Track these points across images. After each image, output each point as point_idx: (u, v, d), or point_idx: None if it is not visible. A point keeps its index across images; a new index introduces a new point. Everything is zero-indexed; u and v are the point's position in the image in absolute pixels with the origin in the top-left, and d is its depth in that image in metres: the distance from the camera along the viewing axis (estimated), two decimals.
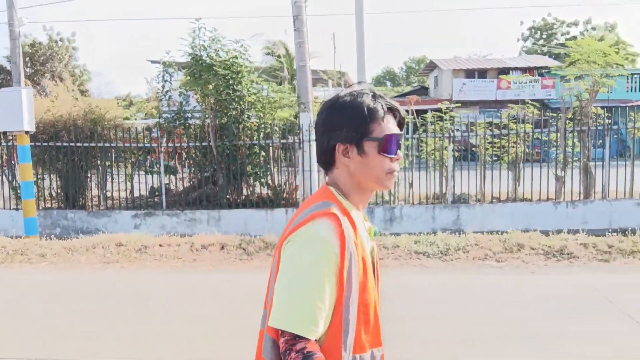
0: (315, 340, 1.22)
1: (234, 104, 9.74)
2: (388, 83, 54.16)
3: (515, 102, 23.18)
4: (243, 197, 10.33)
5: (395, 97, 31.35)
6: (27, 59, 38.72)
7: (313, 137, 10.12)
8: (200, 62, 9.43)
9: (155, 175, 10.60)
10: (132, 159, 10.74)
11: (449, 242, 6.25)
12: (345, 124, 1.32)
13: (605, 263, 5.58)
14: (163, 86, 10.52)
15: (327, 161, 1.38)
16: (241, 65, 9.76)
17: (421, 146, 10.35)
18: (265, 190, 10.28)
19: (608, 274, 5.30)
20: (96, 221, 10.36)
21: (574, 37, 38.83)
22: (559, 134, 9.69)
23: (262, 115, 10.19)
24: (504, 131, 9.88)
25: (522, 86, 21.81)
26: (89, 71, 45.60)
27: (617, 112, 10.72)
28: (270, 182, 10.23)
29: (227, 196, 10.15)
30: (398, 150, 1.36)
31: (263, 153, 10.14)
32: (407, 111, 12.61)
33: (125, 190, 10.64)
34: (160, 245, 6.44)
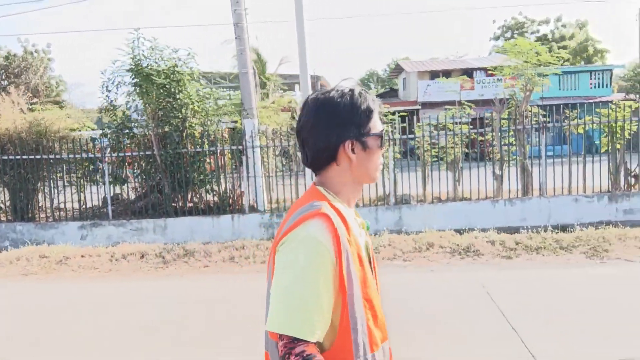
0: (315, 342, 1.21)
1: (175, 112, 9.79)
2: (372, 85, 54.51)
3: (479, 102, 23.52)
4: (190, 204, 10.37)
5: (503, 99, 31.54)
6: (2, 71, 38.46)
7: (257, 143, 10.25)
8: (139, 72, 9.48)
9: (109, 185, 10.64)
10: (80, 170, 10.74)
11: None
12: (355, 120, 1.34)
13: (507, 260, 5.71)
14: (107, 96, 10.53)
15: (325, 160, 1.37)
16: (181, 74, 9.82)
17: None
18: (212, 197, 10.34)
19: (505, 270, 5.44)
20: (44, 233, 10.34)
21: (544, 35, 39.41)
22: (493, 134, 9.87)
23: (207, 122, 10.25)
24: (442, 132, 10.04)
25: (485, 86, 22.08)
26: (65, 82, 45.34)
27: (583, 109, 10.91)
28: (216, 189, 10.30)
29: (174, 204, 10.20)
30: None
31: (209, 160, 10.21)
32: None
33: (78, 201, 10.64)
34: (82, 256, 6.48)
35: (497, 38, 40.66)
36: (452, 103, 23.33)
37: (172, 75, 9.68)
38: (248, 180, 10.08)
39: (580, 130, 9.97)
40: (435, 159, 10.30)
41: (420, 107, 22.86)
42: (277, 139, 10.52)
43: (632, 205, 9.46)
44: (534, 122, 9.76)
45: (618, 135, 9.54)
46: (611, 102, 23.94)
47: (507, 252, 5.89)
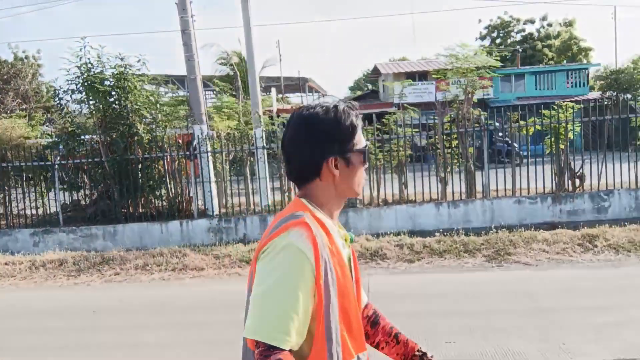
0: (290, 350, 1.22)
1: (121, 119, 9.86)
2: (370, 85, 54.59)
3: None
4: (141, 211, 10.43)
5: (440, 101, 31.61)
6: None
7: (209, 148, 10.32)
8: (84, 81, 9.55)
9: (67, 192, 10.73)
10: (35, 178, 10.81)
11: None
12: (338, 137, 1.35)
13: (409, 263, 5.78)
14: (59, 104, 10.61)
15: (309, 175, 1.38)
16: (128, 80, 9.88)
17: None
18: (160, 203, 10.41)
19: (398, 275, 5.50)
20: None
21: (530, 34, 39.46)
22: (436, 137, 9.92)
23: (154, 128, 10.31)
24: (386, 136, 10.09)
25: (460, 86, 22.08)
26: (55, 87, 45.38)
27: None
28: (166, 194, 10.36)
29: (124, 210, 10.26)
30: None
31: (158, 166, 10.28)
32: None
33: (30, 208, 10.71)
34: (6, 264, 6.55)
35: (483, 38, 40.73)
36: (428, 104, 23.52)
37: (117, 83, 9.75)
38: (196, 185, 10.14)
39: (526, 132, 10.03)
40: (382, 163, 10.34)
41: (396, 109, 22.92)
42: (231, 144, 10.60)
43: (575, 207, 9.51)
44: (475, 125, 9.81)
45: (562, 137, 9.59)
46: (586, 100, 23.94)
47: (412, 256, 5.95)
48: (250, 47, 10.47)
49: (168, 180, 10.37)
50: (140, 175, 10.14)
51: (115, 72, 9.82)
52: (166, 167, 10.29)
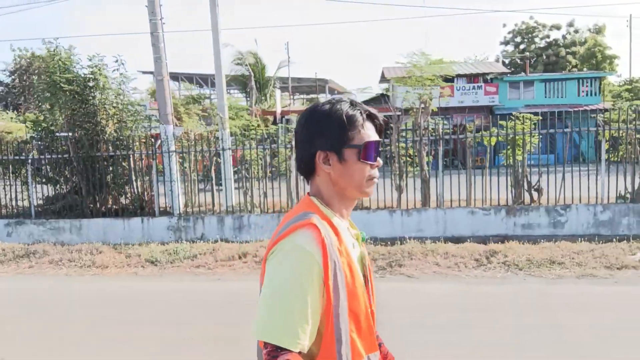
0: (299, 352, 1.22)
1: (88, 117, 10.21)
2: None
3: (460, 109, 23.31)
4: (108, 206, 10.78)
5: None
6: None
7: (172, 148, 10.59)
8: (51, 81, 9.95)
9: (50, 185, 11.19)
10: (17, 171, 11.30)
11: (193, 250, 6.59)
12: (325, 131, 1.34)
13: None
14: (38, 102, 11.06)
15: (307, 169, 1.39)
16: (96, 80, 10.24)
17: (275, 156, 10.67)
18: (125, 201, 10.73)
19: None
20: None
21: (555, 40, 38.50)
22: (392, 146, 9.88)
23: (121, 127, 10.63)
24: None
25: (465, 92, 21.84)
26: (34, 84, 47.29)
27: (569, 117, 10.79)
28: (130, 192, 10.68)
29: (91, 205, 10.63)
30: (378, 157, 1.38)
31: (124, 164, 10.60)
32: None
33: (15, 200, 11.21)
34: None
35: (506, 43, 39.95)
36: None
37: (85, 83, 10.11)
38: (165, 184, 10.42)
39: (487, 142, 9.90)
40: None
41: (400, 113, 22.81)
42: (199, 144, 10.83)
43: (530, 220, 9.32)
44: (431, 134, 9.74)
45: (519, 149, 9.43)
46: (601, 110, 23.38)
47: None
48: (217, 52, 10.68)
49: (134, 178, 10.67)
50: (106, 172, 10.47)
51: (85, 73, 10.18)
52: (132, 165, 10.59)
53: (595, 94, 23.46)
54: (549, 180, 9.36)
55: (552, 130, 9.47)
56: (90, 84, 10.17)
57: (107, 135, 10.42)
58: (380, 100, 27.78)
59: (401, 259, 6.03)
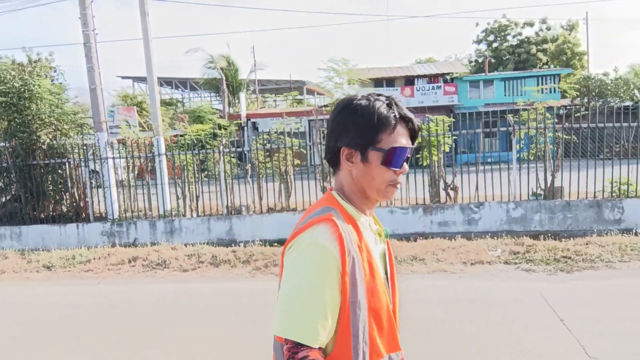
0: (319, 348, 1.21)
1: (23, 127, 10.49)
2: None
3: (420, 109, 23.68)
4: (47, 213, 11.06)
5: (321, 106, 31.98)
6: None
7: (110, 154, 10.88)
8: None
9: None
10: None
11: (89, 255, 6.91)
12: (354, 128, 1.30)
13: (182, 273, 6.13)
14: None
15: (333, 161, 1.38)
16: (31, 91, 10.51)
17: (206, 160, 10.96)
18: (62, 208, 11.02)
19: (148, 284, 5.88)
20: None
21: (527, 38, 38.96)
22: (315, 148, 10.21)
23: (56, 136, 10.91)
24: (274, 145, 10.40)
25: (425, 93, 22.22)
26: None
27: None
28: (68, 199, 10.96)
29: (30, 212, 10.91)
30: (404, 163, 1.33)
31: (60, 171, 10.89)
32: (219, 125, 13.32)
33: None
34: None
35: (479, 41, 40.38)
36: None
37: (20, 94, 10.38)
38: (91, 190, 10.71)
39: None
40: (268, 171, 10.67)
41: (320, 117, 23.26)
42: (136, 150, 11.11)
43: (446, 218, 9.69)
44: None
45: (434, 149, 9.77)
46: (561, 107, 23.71)
47: (194, 266, 6.30)
48: (149, 60, 10.98)
49: (70, 185, 10.96)
50: (42, 180, 10.75)
51: (20, 84, 10.45)
52: (68, 173, 10.87)
53: (555, 91, 23.91)
54: (465, 179, 9.71)
55: (464, 131, 9.83)
56: (26, 95, 10.43)
57: (41, 144, 10.69)
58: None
59: (272, 260, 6.33)
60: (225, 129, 16.48)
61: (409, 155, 1.32)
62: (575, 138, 10.21)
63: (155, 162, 11.06)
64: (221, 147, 10.31)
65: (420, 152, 10.15)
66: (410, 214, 9.79)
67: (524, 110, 10.21)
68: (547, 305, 4.62)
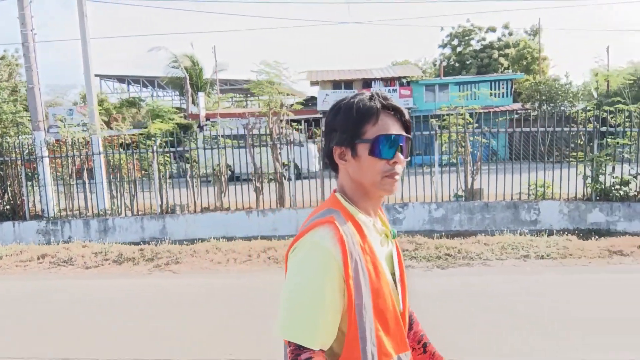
0: (321, 350, 1.21)
1: None
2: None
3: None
4: None
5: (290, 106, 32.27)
6: None
7: (46, 153, 10.93)
8: None
9: None
10: None
11: (4, 252, 7.04)
12: (339, 126, 1.31)
13: (86, 269, 6.34)
14: None
15: (331, 164, 1.37)
16: None
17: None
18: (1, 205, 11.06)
19: (82, 279, 6.07)
20: None
21: (490, 43, 39.80)
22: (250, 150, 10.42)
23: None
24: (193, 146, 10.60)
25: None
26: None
27: (481, 118, 11.35)
28: (6, 196, 11.00)
29: None
30: (398, 153, 1.29)
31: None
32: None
33: None
34: None
35: (444, 46, 41.09)
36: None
37: None
38: (27, 188, 10.77)
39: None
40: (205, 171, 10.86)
41: (321, 116, 23.51)
42: (75, 149, 11.18)
43: None
44: (289, 140, 10.30)
45: None
46: (510, 111, 24.33)
47: (98, 263, 6.50)
48: (87, 62, 11.08)
49: (9, 183, 10.98)
50: None
51: None
52: (6, 171, 10.90)
53: (507, 96, 24.62)
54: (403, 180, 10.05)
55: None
56: None
57: None
58: (308, 102, 28.44)
59: (179, 257, 6.57)
60: (189, 129, 16.58)
61: (402, 144, 1.29)
62: (494, 141, 10.66)
63: (92, 161, 11.16)
64: (155, 147, 10.46)
65: None
66: None
67: (447, 115, 10.60)
68: None
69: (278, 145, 10.18)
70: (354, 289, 1.21)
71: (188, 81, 30.43)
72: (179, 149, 10.82)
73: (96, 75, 39.55)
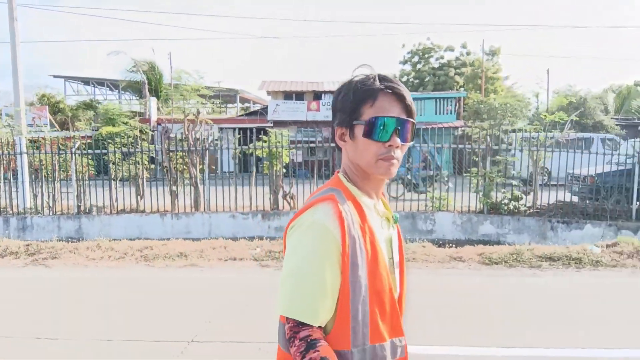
0: (320, 327, 1.22)
1: None
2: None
3: (327, 122, 24.68)
4: None
5: (240, 116, 32.74)
6: None
7: (24, 150, 11.12)
8: None
9: None
10: None
11: None
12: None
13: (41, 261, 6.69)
14: None
15: (336, 145, 1.37)
16: None
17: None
18: None
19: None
20: None
21: (448, 62, 41.04)
22: (164, 155, 10.83)
23: None
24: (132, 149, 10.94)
25: (330, 108, 23.26)
26: None
27: (426, 133, 11.79)
28: None
29: None
30: (394, 136, 1.27)
31: None
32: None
33: None
34: None
35: (405, 62, 42.16)
36: (301, 122, 24.70)
37: None
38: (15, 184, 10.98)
39: (255, 153, 11.04)
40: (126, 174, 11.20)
41: (272, 125, 24.00)
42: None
43: (282, 223, 10.52)
44: (204, 146, 10.74)
45: (275, 160, 10.60)
46: (454, 127, 25.15)
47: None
48: (15, 63, 11.37)
49: None
50: None
51: None
52: None
53: (451, 113, 25.58)
54: (298, 188, 10.58)
55: (299, 145, 10.74)
56: None
57: None
58: (260, 112, 28.91)
59: (59, 253, 6.94)
60: (143, 133, 16.80)
61: (398, 128, 1.27)
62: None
63: (17, 160, 11.41)
64: (74, 149, 10.79)
65: (263, 162, 10.97)
66: (250, 218, 10.57)
67: None
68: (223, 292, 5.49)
69: (194, 151, 10.62)
70: (350, 267, 1.21)
71: (147, 86, 30.63)
72: (97, 151, 11.12)
73: (60, 77, 39.51)
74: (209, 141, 10.93)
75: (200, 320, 4.58)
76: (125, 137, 11.23)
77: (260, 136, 11.20)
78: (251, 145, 10.86)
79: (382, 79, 1.29)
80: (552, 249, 6.65)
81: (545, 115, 10.94)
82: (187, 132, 10.65)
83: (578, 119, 16.01)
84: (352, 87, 1.28)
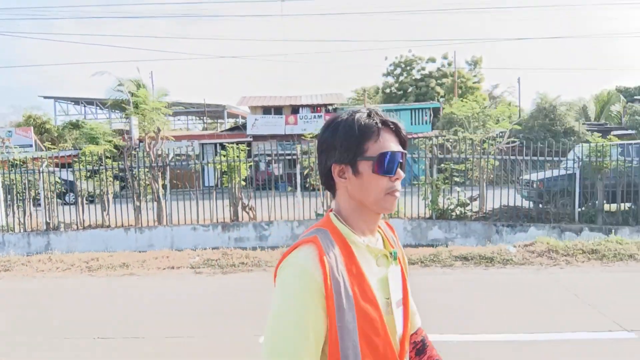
0: None
1: None
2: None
3: (304, 135, 25.18)
4: None
5: (221, 131, 33.33)
6: None
7: None
8: None
9: None
10: None
11: None
12: (339, 143, 1.27)
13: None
14: None
15: (328, 183, 1.33)
16: None
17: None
18: None
19: None
20: None
21: (430, 72, 41.81)
22: (127, 171, 11.35)
23: None
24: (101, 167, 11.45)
25: (308, 121, 23.85)
26: None
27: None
28: None
29: None
30: (398, 169, 1.28)
31: None
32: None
33: None
34: None
35: (388, 74, 42.91)
36: (279, 136, 25.25)
37: None
38: None
39: (214, 168, 11.54)
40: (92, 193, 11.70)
41: (252, 140, 24.53)
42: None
43: (241, 234, 11.01)
44: (160, 162, 11.26)
45: (235, 174, 11.10)
46: (429, 138, 25.65)
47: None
48: None
49: None
50: None
51: None
52: None
53: (426, 123, 26.21)
54: (256, 200, 11.07)
55: (256, 159, 11.26)
56: None
57: None
58: (239, 128, 29.51)
59: (12, 265, 7.39)
60: (119, 150, 17.28)
61: (401, 161, 1.29)
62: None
63: None
64: (42, 168, 11.29)
65: (223, 176, 11.48)
66: (210, 230, 11.05)
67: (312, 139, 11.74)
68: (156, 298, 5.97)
69: (155, 167, 11.12)
70: (336, 311, 1.19)
71: (131, 104, 31.13)
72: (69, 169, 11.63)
73: (51, 98, 40.10)
74: (170, 157, 11.42)
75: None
76: (90, 155, 11.72)
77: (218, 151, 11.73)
78: (211, 160, 11.38)
79: (376, 113, 1.30)
80: (470, 250, 7.14)
81: (490, 125, 11.49)
82: (148, 149, 11.15)
83: (520, 127, 16.56)
84: (354, 122, 1.26)
